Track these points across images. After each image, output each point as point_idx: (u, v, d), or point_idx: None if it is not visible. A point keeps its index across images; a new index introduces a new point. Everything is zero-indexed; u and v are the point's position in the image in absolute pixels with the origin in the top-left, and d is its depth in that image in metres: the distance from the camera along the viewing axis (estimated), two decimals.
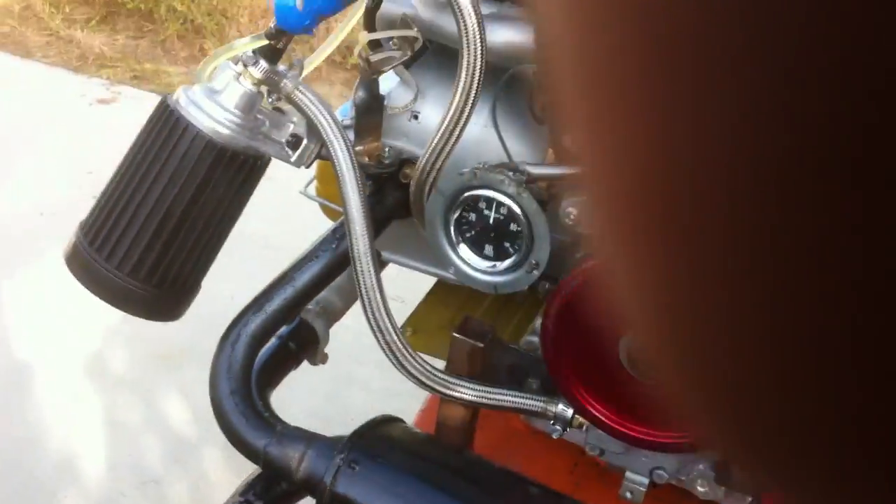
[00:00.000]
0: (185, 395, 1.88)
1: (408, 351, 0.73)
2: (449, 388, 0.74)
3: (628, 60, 0.15)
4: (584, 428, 0.75)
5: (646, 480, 0.78)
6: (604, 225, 0.17)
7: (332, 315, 0.88)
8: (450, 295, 0.98)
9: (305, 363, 0.86)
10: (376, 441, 0.71)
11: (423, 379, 0.74)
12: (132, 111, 3.07)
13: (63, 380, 1.93)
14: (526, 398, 0.75)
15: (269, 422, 0.71)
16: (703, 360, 0.17)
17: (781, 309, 0.15)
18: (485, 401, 0.75)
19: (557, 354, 0.70)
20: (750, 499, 0.76)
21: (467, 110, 0.69)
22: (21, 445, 1.74)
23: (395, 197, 0.81)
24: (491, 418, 0.91)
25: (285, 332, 0.82)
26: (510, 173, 0.69)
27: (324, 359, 0.87)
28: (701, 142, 0.14)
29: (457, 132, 0.71)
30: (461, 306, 0.96)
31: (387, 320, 0.72)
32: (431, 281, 1.01)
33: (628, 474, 0.79)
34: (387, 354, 0.73)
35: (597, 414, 0.71)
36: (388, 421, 0.75)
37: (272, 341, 0.80)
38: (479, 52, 0.67)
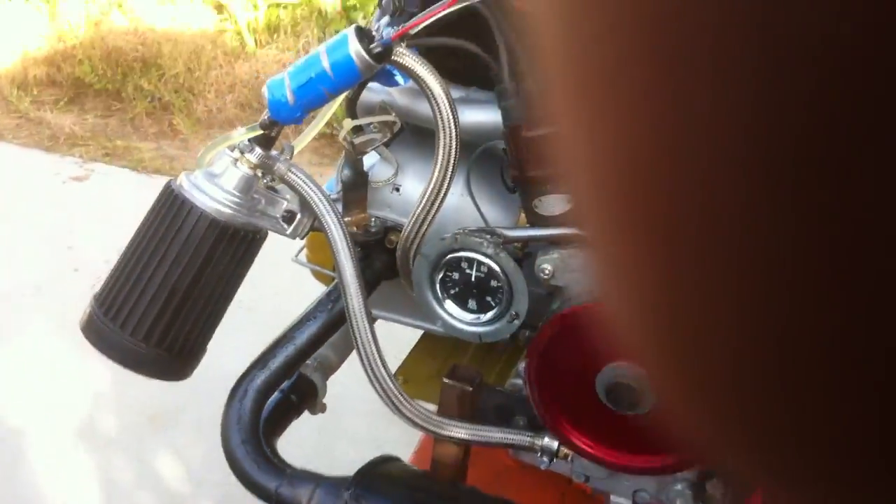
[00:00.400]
0: (176, 454, 1.93)
1: (403, 397, 0.80)
2: (443, 429, 0.82)
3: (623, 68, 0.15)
4: (570, 458, 0.83)
5: (629, 503, 0.85)
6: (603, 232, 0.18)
7: (329, 369, 0.95)
8: (436, 346, 1.05)
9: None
10: (378, 478, 0.78)
11: (419, 421, 0.81)
12: (106, 187, 3.14)
13: (55, 445, 1.97)
14: (514, 434, 0.83)
15: (279, 466, 0.77)
16: (707, 361, 0.17)
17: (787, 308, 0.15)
18: (476, 438, 0.83)
19: (541, 392, 0.78)
20: None
21: (446, 182, 0.78)
22: None
23: (383, 260, 0.89)
24: (482, 455, 0.98)
25: (286, 386, 0.89)
26: (488, 236, 0.78)
27: (322, 408, 0.94)
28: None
29: (438, 202, 0.79)
30: (448, 356, 1.04)
31: (383, 370, 0.80)
32: (414, 334, 1.09)
33: (613, 498, 0.86)
34: (384, 401, 0.80)
35: (580, 444, 0.79)
36: (388, 460, 0.82)
37: (275, 395, 0.87)
38: (453, 132, 0.75)
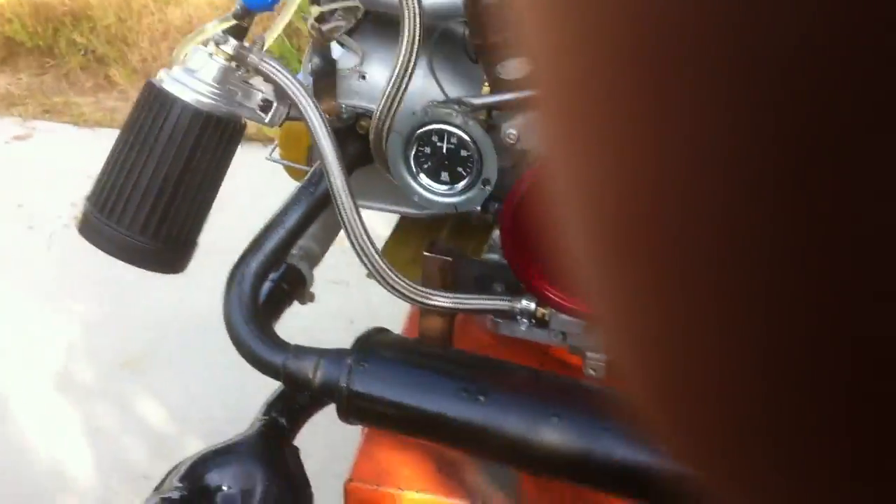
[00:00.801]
0: (156, 396, 1.96)
1: (390, 270, 0.85)
2: (429, 299, 0.87)
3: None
4: (546, 317, 0.89)
5: (605, 357, 0.92)
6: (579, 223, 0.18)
7: (314, 258, 1.00)
8: (410, 234, 1.11)
9: None
10: (378, 344, 0.83)
11: (406, 292, 0.86)
12: (50, 143, 3.11)
13: (35, 401, 1.99)
14: (494, 300, 0.89)
15: (283, 343, 0.82)
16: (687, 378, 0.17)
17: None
18: (460, 306, 0.89)
19: (516, 250, 0.83)
20: None
21: (413, 59, 0.83)
22: (9, 459, 1.81)
23: (356, 147, 0.94)
24: (460, 336, 1.04)
25: (276, 276, 0.94)
26: (455, 106, 0.83)
27: (311, 297, 0.99)
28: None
29: (406, 80, 0.84)
30: (423, 241, 1.09)
31: (369, 245, 0.85)
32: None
33: (589, 354, 0.93)
34: (373, 274, 0.86)
35: (555, 299, 0.85)
36: (382, 331, 0.87)
37: (267, 284, 0.92)
38: (417, 14, 0.80)
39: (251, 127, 0.90)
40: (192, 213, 0.87)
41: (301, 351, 0.82)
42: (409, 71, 0.83)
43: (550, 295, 0.86)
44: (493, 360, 0.88)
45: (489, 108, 0.84)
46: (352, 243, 0.85)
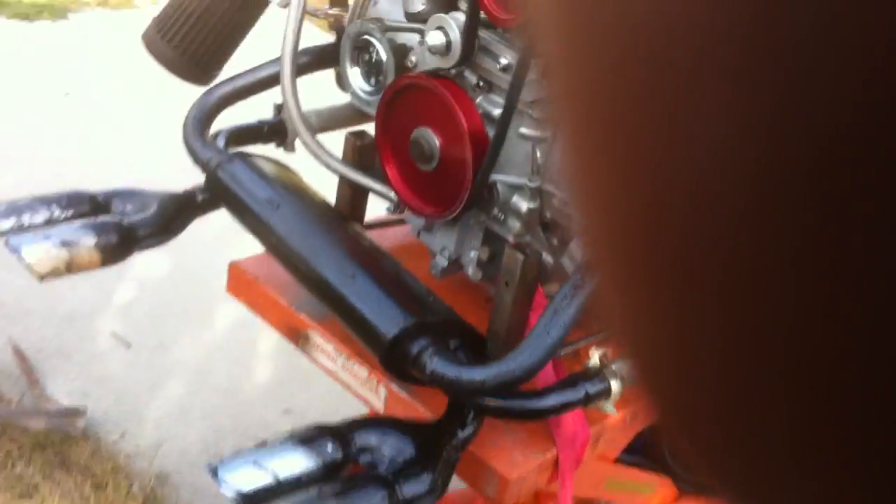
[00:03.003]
0: None
1: (314, 140, 1.15)
2: (330, 163, 1.15)
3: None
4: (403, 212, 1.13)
5: (444, 260, 1.14)
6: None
7: (308, 125, 1.31)
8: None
9: None
10: (254, 161, 1.14)
11: (313, 149, 1.15)
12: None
13: None
14: (377, 184, 1.14)
15: (212, 147, 1.15)
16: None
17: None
18: (348, 175, 1.15)
19: (383, 147, 1.09)
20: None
21: None
22: None
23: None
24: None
25: (266, 120, 1.26)
26: (377, 24, 1.09)
27: (293, 148, 1.30)
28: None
29: None
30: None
31: (297, 114, 1.14)
32: None
33: (435, 255, 1.15)
34: (302, 139, 1.15)
35: (400, 191, 1.09)
36: (279, 165, 1.17)
37: (253, 121, 1.25)
38: None
39: None
40: (219, 50, 1.23)
41: (212, 151, 1.14)
42: None
43: (398, 189, 1.09)
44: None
45: (400, 30, 1.08)
46: (286, 107, 1.16)
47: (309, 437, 0.91)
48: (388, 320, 0.93)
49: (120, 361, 2.27)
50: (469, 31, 0.95)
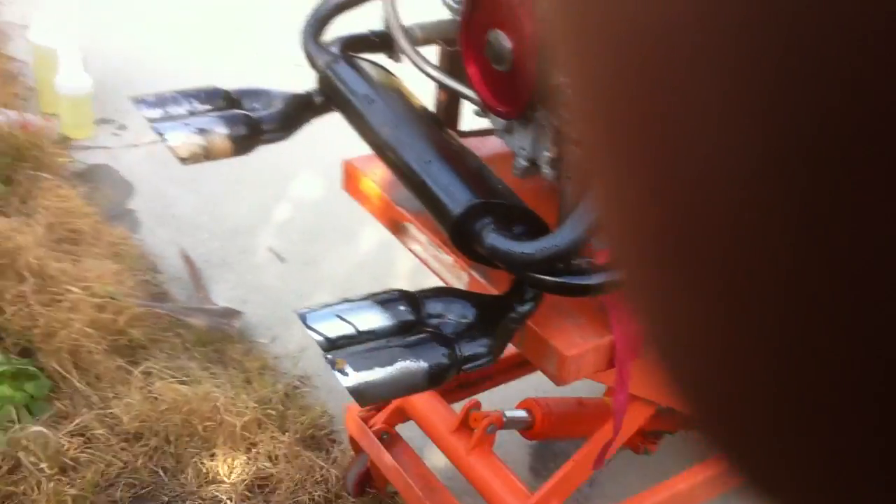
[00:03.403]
0: None
1: (408, 40, 1.25)
2: (423, 65, 1.26)
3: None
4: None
5: (523, 162, 1.22)
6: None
7: (412, 39, 1.41)
8: None
9: None
10: (362, 66, 1.25)
11: (414, 59, 1.26)
12: None
13: None
14: (462, 86, 1.24)
15: (323, 48, 1.28)
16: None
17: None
18: (434, 75, 1.25)
19: (465, 45, 1.18)
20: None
21: None
22: None
23: None
24: None
25: (376, 31, 1.38)
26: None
27: (398, 58, 1.40)
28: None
29: None
30: None
31: (397, 18, 1.25)
32: None
33: (516, 153, 1.23)
34: (397, 39, 1.26)
35: (479, 88, 1.18)
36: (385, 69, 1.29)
37: (363, 31, 1.37)
38: None
39: None
40: None
41: (324, 53, 1.27)
42: None
43: (478, 87, 1.18)
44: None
45: None
46: (385, 14, 1.26)
47: (386, 299, 1.03)
48: (456, 200, 1.03)
49: (275, 273, 2.50)
50: None
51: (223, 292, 2.40)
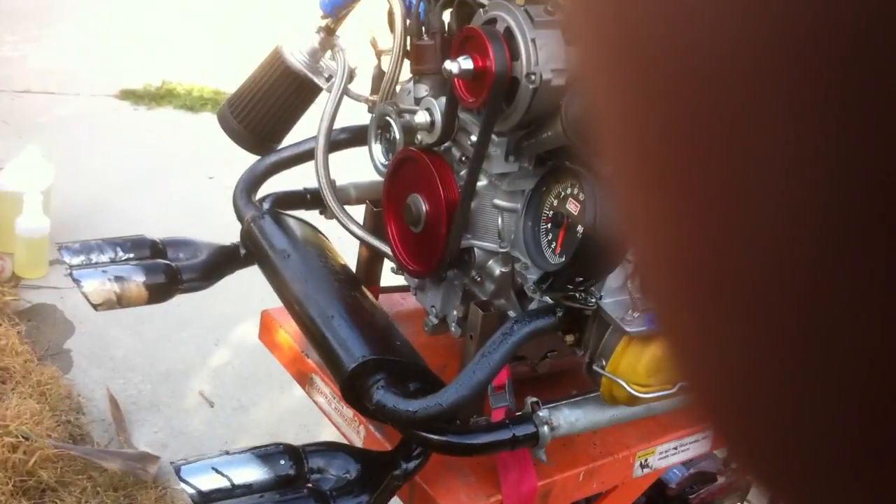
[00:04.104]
0: None
1: (338, 204, 1.31)
2: (347, 223, 1.30)
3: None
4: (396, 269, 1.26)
5: (434, 318, 1.25)
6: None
7: (345, 197, 1.47)
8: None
9: None
10: (283, 219, 1.29)
11: (337, 213, 1.31)
12: None
13: None
14: (378, 241, 1.28)
15: (253, 205, 1.33)
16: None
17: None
18: (363, 238, 1.30)
19: (386, 207, 1.23)
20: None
21: (398, 66, 1.27)
22: None
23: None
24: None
25: (310, 188, 1.43)
26: (392, 108, 1.25)
27: (331, 215, 1.45)
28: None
29: (391, 82, 1.28)
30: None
31: (326, 178, 1.31)
32: None
33: (428, 310, 1.26)
34: (326, 199, 1.31)
35: (394, 248, 1.22)
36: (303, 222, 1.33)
37: (299, 188, 1.42)
38: (401, 37, 1.24)
39: None
40: (276, 126, 1.42)
41: (252, 209, 1.32)
42: (395, 74, 1.28)
43: (393, 245, 1.22)
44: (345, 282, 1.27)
45: (408, 112, 1.23)
46: (316, 175, 1.32)
47: (267, 453, 1.03)
48: (351, 355, 1.05)
49: (202, 418, 2.46)
50: (448, 113, 1.09)
51: (146, 436, 2.36)
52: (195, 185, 3.61)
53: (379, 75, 1.38)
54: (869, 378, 0.15)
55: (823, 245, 0.15)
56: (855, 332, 0.15)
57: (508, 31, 1.01)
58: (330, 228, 1.41)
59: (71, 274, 1.30)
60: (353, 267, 1.38)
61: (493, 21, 1.04)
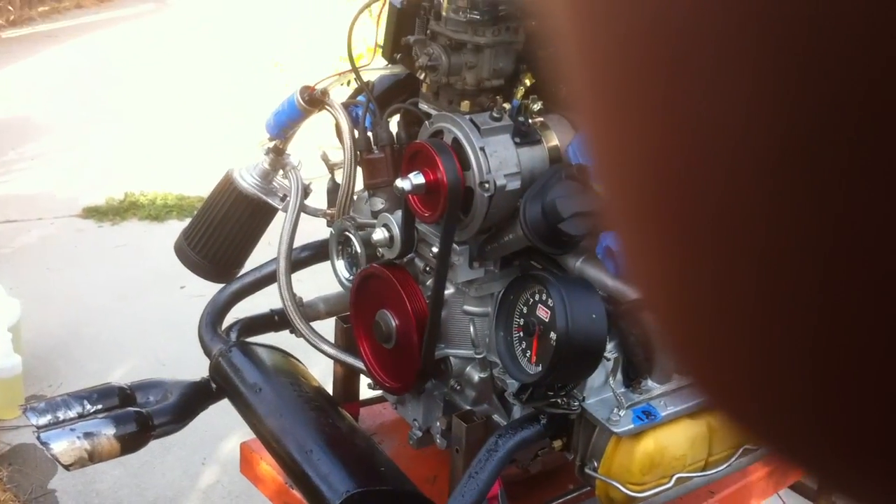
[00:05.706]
0: None
1: (304, 323, 1.28)
2: (319, 344, 1.27)
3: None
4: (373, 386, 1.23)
5: (418, 432, 1.21)
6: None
7: (314, 313, 1.44)
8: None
9: None
10: (252, 349, 1.26)
11: (306, 334, 1.28)
12: None
13: None
14: (351, 358, 1.25)
15: (222, 338, 1.30)
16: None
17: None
18: (335, 356, 1.27)
19: (356, 325, 1.20)
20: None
21: (352, 182, 1.25)
22: None
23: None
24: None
25: (277, 310, 1.41)
26: (352, 222, 1.23)
27: (300, 335, 1.43)
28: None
29: (346, 197, 1.27)
30: None
31: (291, 299, 1.28)
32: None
33: (413, 425, 1.23)
34: (293, 320, 1.28)
35: (368, 365, 1.19)
36: (272, 349, 1.30)
37: (266, 311, 1.39)
38: (351, 155, 1.23)
39: None
40: (236, 253, 1.40)
41: (218, 342, 1.28)
42: (351, 192, 1.26)
43: (366, 362, 1.19)
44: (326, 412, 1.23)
45: (367, 226, 1.22)
46: (281, 298, 1.30)
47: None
48: (334, 490, 1.01)
49: None
50: (406, 228, 1.07)
51: None
52: (167, 297, 3.56)
53: (334, 188, 1.37)
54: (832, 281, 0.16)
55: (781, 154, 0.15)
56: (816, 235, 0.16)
57: (456, 141, 1.00)
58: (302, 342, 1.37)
59: (38, 437, 1.26)
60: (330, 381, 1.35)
61: (439, 133, 1.03)
